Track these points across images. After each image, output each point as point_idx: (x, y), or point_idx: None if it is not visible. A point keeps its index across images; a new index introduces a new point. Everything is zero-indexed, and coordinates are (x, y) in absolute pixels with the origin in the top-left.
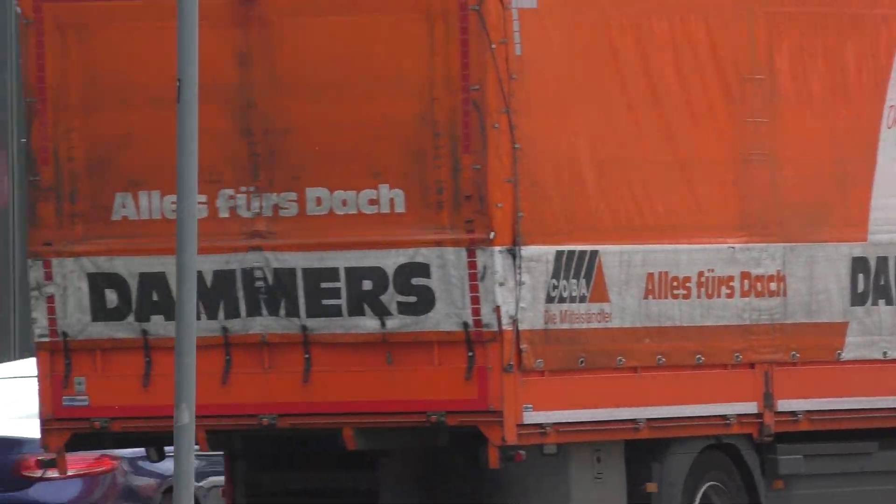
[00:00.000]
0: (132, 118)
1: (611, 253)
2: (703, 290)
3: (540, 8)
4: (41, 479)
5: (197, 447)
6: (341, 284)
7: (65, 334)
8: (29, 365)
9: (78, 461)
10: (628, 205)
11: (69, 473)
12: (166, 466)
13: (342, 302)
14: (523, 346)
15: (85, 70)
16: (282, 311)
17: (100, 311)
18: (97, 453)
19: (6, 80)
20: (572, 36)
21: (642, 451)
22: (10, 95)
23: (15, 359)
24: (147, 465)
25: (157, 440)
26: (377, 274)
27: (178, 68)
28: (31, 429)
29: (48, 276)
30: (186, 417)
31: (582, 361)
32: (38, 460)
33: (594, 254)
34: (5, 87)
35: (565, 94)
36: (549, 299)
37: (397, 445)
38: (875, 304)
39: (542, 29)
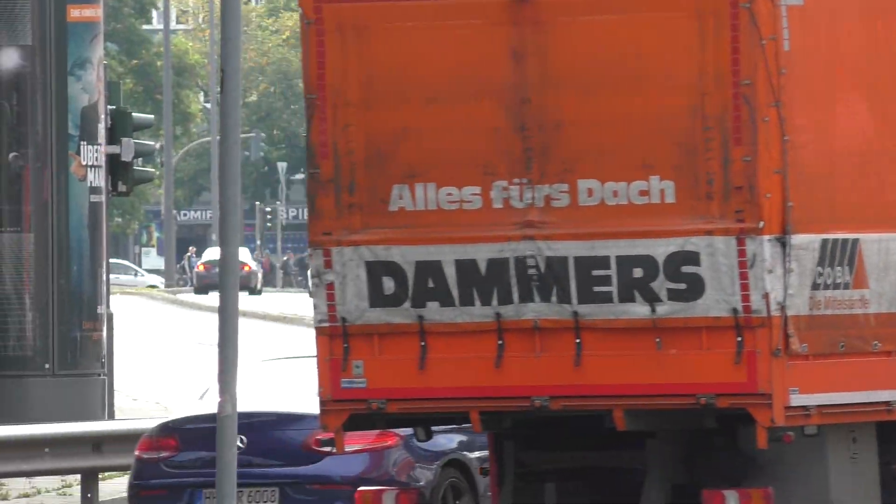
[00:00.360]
0: (408, 114)
1: (870, 241)
2: None
3: (806, 4)
4: (330, 453)
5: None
6: (612, 272)
7: (343, 320)
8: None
9: (363, 436)
10: (887, 194)
11: (356, 448)
12: (441, 441)
13: (613, 289)
14: (790, 331)
15: (363, 68)
16: (553, 298)
17: (377, 298)
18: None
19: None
20: (836, 30)
21: (890, 431)
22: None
23: None
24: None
25: (429, 421)
26: (648, 262)
27: (222, 60)
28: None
29: (328, 265)
30: (229, 408)
31: (842, 346)
32: (317, 439)
33: (855, 242)
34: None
35: (830, 88)
36: (815, 286)
37: (666, 427)
38: None
39: (807, 24)
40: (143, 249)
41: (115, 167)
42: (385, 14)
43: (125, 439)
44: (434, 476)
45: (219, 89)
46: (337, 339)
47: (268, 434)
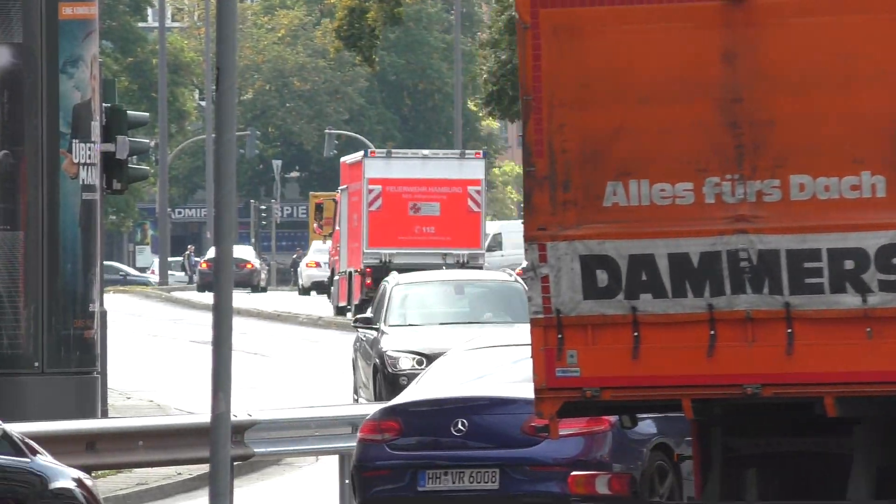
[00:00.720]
0: (622, 114)
1: None
2: None
3: None
4: (546, 437)
5: None
6: (823, 264)
7: (558, 311)
8: (521, 334)
9: (575, 421)
10: None
11: (570, 432)
12: (644, 426)
13: (824, 280)
14: None
15: (577, 69)
16: (765, 289)
17: (591, 290)
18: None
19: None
20: None
21: None
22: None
23: None
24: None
25: (638, 408)
26: (859, 254)
27: (217, 57)
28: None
29: (542, 259)
30: (223, 406)
31: None
32: (532, 426)
33: None
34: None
35: None
36: None
37: (875, 413)
38: None
39: None
40: (138, 247)
41: (110, 165)
42: (599, 17)
43: (119, 438)
44: (644, 460)
45: (214, 87)
46: (551, 329)
47: (485, 418)
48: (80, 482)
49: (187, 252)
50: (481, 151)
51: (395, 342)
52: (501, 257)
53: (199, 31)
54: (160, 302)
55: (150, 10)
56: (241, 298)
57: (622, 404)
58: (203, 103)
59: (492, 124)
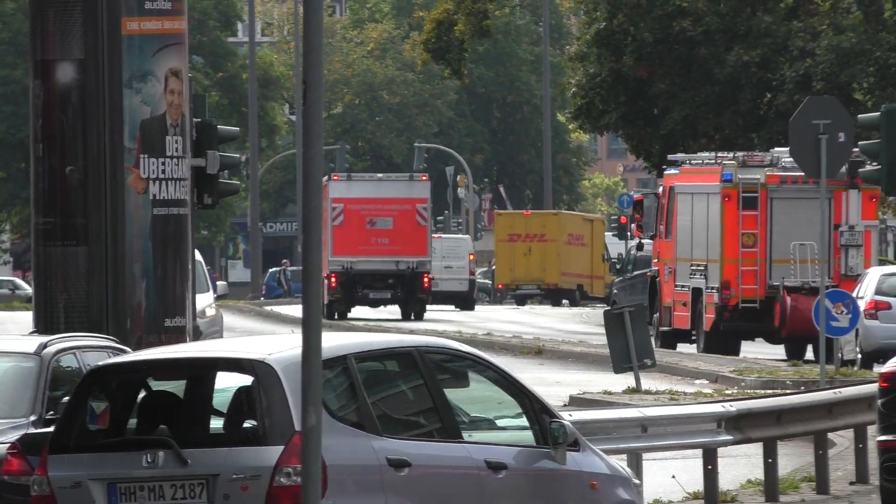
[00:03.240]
0: None
1: None
2: None
3: None
4: None
5: None
6: None
7: None
8: None
9: None
10: None
11: None
12: None
13: None
14: None
15: None
16: None
17: None
18: None
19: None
20: None
21: None
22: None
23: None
24: None
25: None
26: None
27: (304, 71)
28: None
29: None
30: (313, 420)
31: None
32: None
33: None
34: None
35: None
36: None
37: None
38: None
39: None
40: (230, 262)
41: (201, 179)
42: None
43: None
44: None
45: (302, 101)
46: None
47: None
48: None
49: (283, 266)
50: (426, 175)
51: None
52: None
53: (288, 45)
54: (252, 317)
55: (239, 25)
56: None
57: None
58: (293, 117)
59: (581, 137)
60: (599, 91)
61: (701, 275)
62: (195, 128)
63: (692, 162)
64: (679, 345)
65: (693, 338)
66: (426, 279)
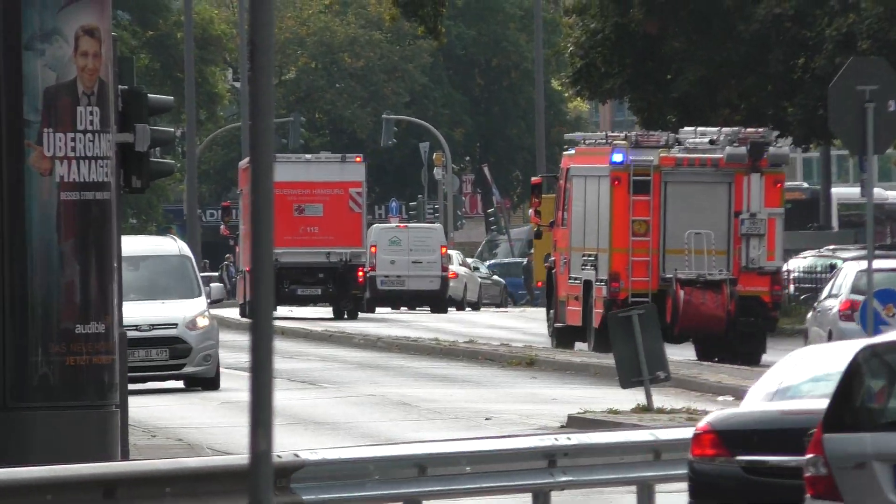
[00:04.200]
0: None
1: None
2: None
3: None
4: None
5: None
6: None
7: None
8: None
9: None
10: None
11: None
12: None
13: None
14: None
15: None
16: None
17: None
18: None
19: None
20: None
21: None
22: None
23: None
24: None
25: None
26: None
27: (251, 29)
28: None
29: None
30: (264, 444)
31: None
32: None
33: None
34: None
35: None
36: None
37: None
38: None
39: None
40: None
41: (128, 158)
42: None
43: (142, 483)
44: None
45: (249, 65)
46: None
47: None
48: None
49: (225, 262)
50: (361, 156)
51: None
52: None
53: None
54: None
55: None
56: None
57: None
58: (237, 84)
59: (580, 106)
60: (602, 51)
61: (591, 266)
62: (121, 97)
63: (587, 142)
64: (577, 343)
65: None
66: (361, 273)
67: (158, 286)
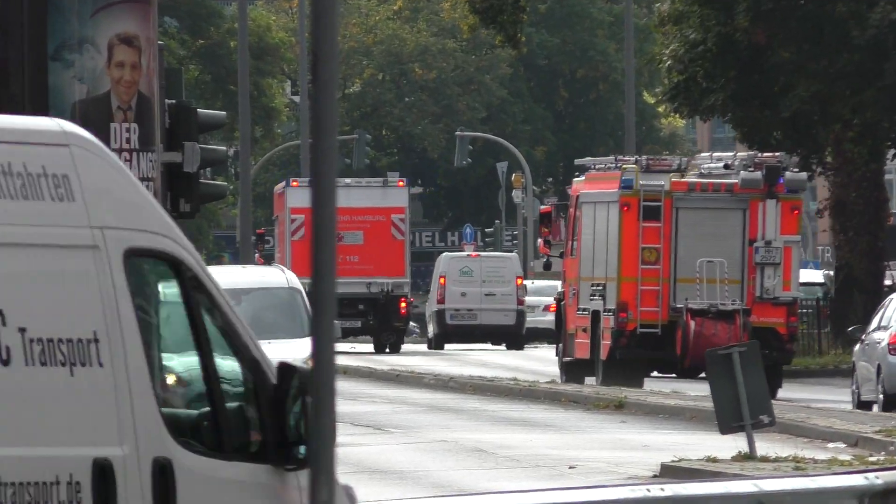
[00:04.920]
0: None
1: None
2: None
3: None
4: None
5: None
6: None
7: None
8: None
9: None
10: None
11: None
12: None
13: None
14: None
15: None
16: None
17: None
18: None
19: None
20: None
21: None
22: None
23: None
24: None
25: None
26: None
27: (312, 39)
28: None
29: None
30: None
31: None
32: None
33: None
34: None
35: None
36: None
37: None
38: None
39: None
40: None
41: (176, 180)
42: None
43: None
44: None
45: (310, 77)
46: None
47: None
48: None
49: None
50: (404, 180)
51: None
52: None
53: (290, 3)
54: None
55: None
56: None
57: None
58: (296, 98)
59: (676, 123)
60: (703, 63)
61: (600, 296)
62: (168, 112)
63: (597, 167)
64: (587, 378)
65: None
66: (403, 304)
67: (263, 323)
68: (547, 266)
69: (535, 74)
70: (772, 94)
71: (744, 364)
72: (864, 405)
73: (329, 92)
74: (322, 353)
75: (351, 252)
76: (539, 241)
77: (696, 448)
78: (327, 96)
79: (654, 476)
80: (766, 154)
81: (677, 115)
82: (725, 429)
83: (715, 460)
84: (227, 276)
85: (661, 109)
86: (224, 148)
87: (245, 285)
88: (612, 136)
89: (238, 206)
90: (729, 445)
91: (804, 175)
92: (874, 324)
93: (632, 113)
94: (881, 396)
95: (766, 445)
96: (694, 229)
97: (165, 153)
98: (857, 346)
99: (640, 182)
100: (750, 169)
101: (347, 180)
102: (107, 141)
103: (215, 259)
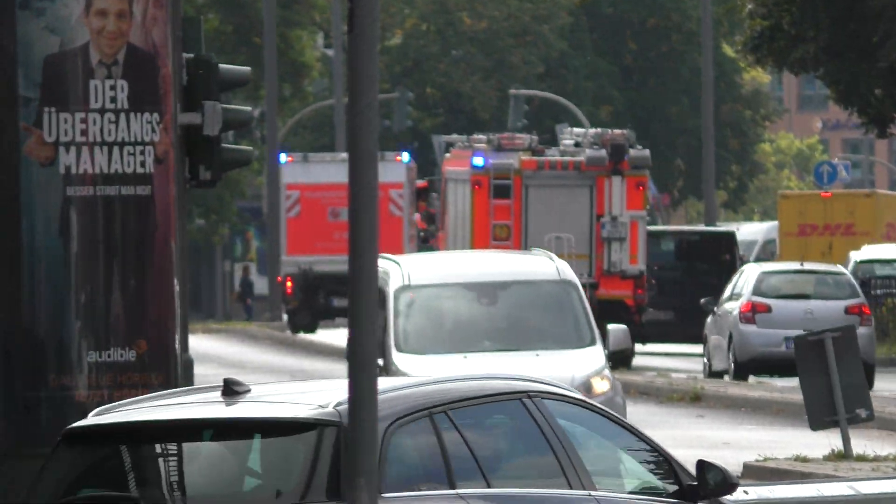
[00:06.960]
0: None
1: None
2: None
3: None
4: None
5: None
6: None
7: None
8: None
9: None
10: None
11: None
12: None
13: None
14: None
15: None
16: None
17: None
18: None
19: None
20: None
21: None
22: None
23: None
24: None
25: None
26: None
27: None
28: None
29: None
30: (366, 498)
31: None
32: None
33: None
34: None
35: None
36: None
37: None
38: None
39: None
40: (238, 265)
41: (195, 145)
42: None
43: None
44: None
45: (345, 28)
46: None
47: None
48: None
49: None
50: (402, 154)
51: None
52: None
53: None
54: (272, 346)
55: None
56: None
57: None
58: (329, 52)
59: (760, 78)
60: (790, 9)
61: None
62: (185, 68)
63: (460, 144)
64: None
65: None
66: None
67: (528, 330)
68: (424, 240)
69: (600, 24)
70: (870, 45)
71: (838, 351)
72: (715, 374)
73: (368, 45)
74: (361, 342)
75: (347, 229)
76: (416, 215)
77: (783, 446)
78: (366, 50)
79: (737, 477)
80: (613, 132)
81: (761, 69)
82: (817, 424)
83: (805, 460)
84: (477, 266)
85: (743, 64)
86: (248, 108)
87: (501, 277)
88: (688, 94)
89: (264, 173)
90: (821, 443)
91: (647, 152)
92: (727, 293)
93: (709, 67)
94: (732, 365)
95: (864, 443)
96: (543, 206)
97: (183, 114)
98: (710, 318)
99: (491, 161)
100: (596, 147)
101: (343, 154)
102: (85, 100)
103: (240, 235)
